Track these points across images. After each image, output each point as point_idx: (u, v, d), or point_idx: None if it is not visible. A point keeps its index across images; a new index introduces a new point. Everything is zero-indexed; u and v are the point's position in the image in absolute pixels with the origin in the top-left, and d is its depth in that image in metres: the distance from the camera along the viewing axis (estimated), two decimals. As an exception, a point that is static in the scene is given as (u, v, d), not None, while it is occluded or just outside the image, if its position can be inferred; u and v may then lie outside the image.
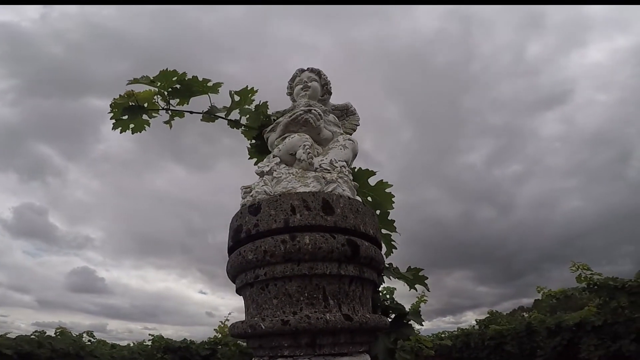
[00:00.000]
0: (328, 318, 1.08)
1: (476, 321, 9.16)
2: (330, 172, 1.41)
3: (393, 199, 1.74)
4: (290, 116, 1.57)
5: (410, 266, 1.85)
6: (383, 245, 1.86)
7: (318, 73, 1.80)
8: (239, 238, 1.27)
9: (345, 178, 1.42)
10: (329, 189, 1.34)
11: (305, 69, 1.81)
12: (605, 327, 5.10)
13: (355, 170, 1.74)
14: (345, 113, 1.95)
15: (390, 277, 1.73)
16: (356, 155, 1.61)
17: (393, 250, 1.88)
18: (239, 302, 1.46)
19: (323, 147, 1.61)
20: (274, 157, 1.48)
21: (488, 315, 9.26)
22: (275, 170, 1.42)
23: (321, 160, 1.46)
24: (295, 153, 1.45)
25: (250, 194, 1.38)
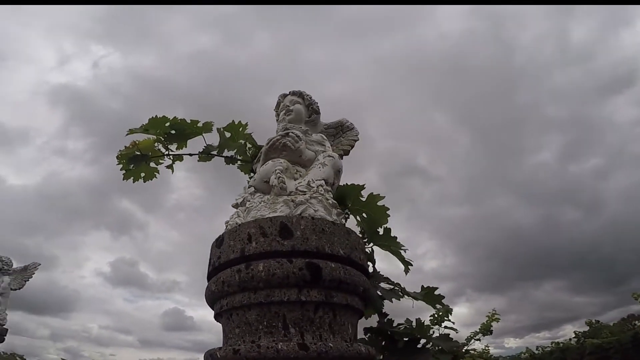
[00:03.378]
0: (279, 347, 1.02)
1: (575, 333, 7.78)
2: (304, 194, 1.37)
3: (388, 212, 1.61)
4: (268, 143, 1.58)
5: (423, 285, 1.67)
6: (400, 263, 1.73)
7: (300, 95, 1.79)
8: (209, 271, 1.29)
9: (320, 197, 1.37)
10: (298, 212, 1.30)
11: (288, 93, 1.82)
12: None
13: (345, 186, 1.67)
14: (341, 129, 1.91)
15: (394, 299, 1.58)
16: (339, 170, 1.54)
17: (409, 267, 1.72)
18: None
19: (307, 169, 1.58)
20: (249, 187, 1.49)
21: (588, 328, 7.82)
22: (249, 201, 1.43)
23: (299, 183, 1.44)
24: (269, 180, 1.44)
25: (226, 228, 1.40)
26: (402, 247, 1.66)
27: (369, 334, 1.59)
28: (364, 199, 1.63)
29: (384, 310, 1.65)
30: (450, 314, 2.88)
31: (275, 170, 1.44)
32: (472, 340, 3.65)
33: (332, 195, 1.44)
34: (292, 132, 1.58)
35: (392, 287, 1.60)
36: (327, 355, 1.04)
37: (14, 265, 5.22)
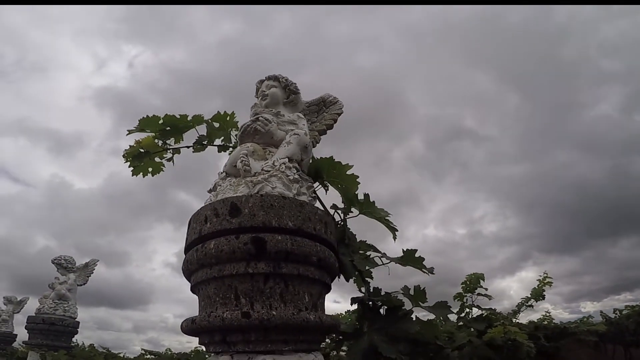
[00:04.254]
0: (225, 316, 1.12)
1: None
2: (267, 173, 1.44)
3: (358, 180, 1.61)
4: (240, 129, 1.66)
5: (404, 249, 1.64)
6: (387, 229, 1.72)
7: (276, 78, 1.83)
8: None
9: (280, 175, 1.42)
10: (255, 190, 1.37)
11: (264, 78, 1.86)
12: None
13: (319, 159, 1.68)
14: (324, 105, 1.91)
15: (369, 267, 1.57)
16: (306, 146, 1.56)
17: (396, 232, 1.70)
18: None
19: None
20: (221, 173, 1.59)
21: None
22: (220, 185, 1.52)
23: (265, 163, 1.50)
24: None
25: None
26: (384, 213, 1.64)
27: (356, 304, 1.62)
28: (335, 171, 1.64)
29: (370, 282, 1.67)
30: (483, 280, 2.76)
31: (240, 154, 1.52)
32: (524, 307, 3.42)
33: (296, 172, 1.47)
34: (261, 117, 1.64)
35: (369, 255, 1.61)
36: (270, 322, 1.11)
37: (77, 263, 5.96)
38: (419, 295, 1.69)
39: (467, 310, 2.49)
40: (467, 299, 2.71)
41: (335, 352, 2.09)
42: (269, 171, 1.44)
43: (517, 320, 3.11)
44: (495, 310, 2.75)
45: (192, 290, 1.37)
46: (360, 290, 1.63)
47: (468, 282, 2.72)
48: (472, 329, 2.27)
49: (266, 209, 1.25)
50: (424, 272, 1.65)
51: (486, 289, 2.49)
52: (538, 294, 3.26)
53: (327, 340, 1.85)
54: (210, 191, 1.56)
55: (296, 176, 1.46)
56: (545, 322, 3.57)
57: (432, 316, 1.77)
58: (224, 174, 1.58)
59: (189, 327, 1.21)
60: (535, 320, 3.77)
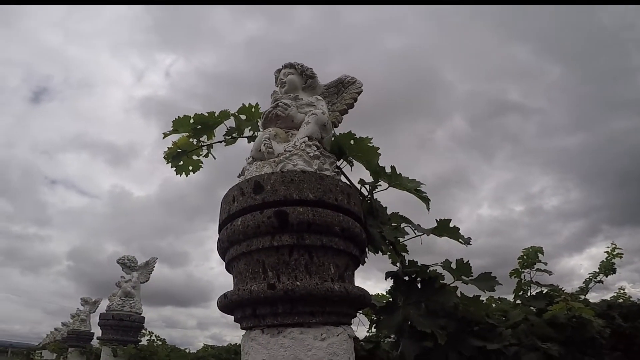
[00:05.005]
0: (252, 288, 1.16)
1: None
2: (289, 152, 1.48)
3: (379, 151, 1.58)
4: (262, 116, 1.72)
5: (437, 219, 1.58)
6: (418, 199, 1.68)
7: (292, 66, 1.87)
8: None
9: (300, 153, 1.45)
10: (278, 169, 1.41)
11: (281, 67, 1.91)
12: None
13: (339, 135, 1.69)
14: (342, 85, 1.92)
15: (399, 237, 1.54)
16: (325, 124, 1.58)
17: (427, 200, 1.64)
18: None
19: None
20: (248, 158, 1.65)
21: None
22: (247, 170, 1.59)
23: (287, 145, 1.54)
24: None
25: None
26: (414, 184, 1.61)
27: (390, 277, 1.60)
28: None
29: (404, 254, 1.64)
30: (542, 254, 2.59)
31: (263, 138, 1.57)
32: (592, 283, 3.13)
33: (316, 149, 1.49)
34: (280, 102, 1.69)
35: (398, 225, 1.57)
36: (294, 292, 1.13)
37: (138, 262, 6.43)
38: (462, 268, 1.60)
39: (525, 287, 2.33)
40: (524, 276, 2.55)
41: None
42: (290, 151, 1.48)
43: (585, 298, 2.86)
44: (557, 286, 2.55)
45: (227, 268, 1.44)
46: (394, 265, 1.60)
47: (525, 257, 2.55)
48: (531, 307, 2.12)
49: (287, 183, 1.28)
50: (461, 242, 1.58)
51: (545, 264, 2.32)
52: (607, 268, 2.96)
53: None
54: (239, 176, 1.63)
55: (317, 153, 1.48)
56: (621, 300, 3.25)
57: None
58: (251, 158, 1.64)
59: (222, 303, 1.27)
60: (609, 299, 3.44)
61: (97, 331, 6.10)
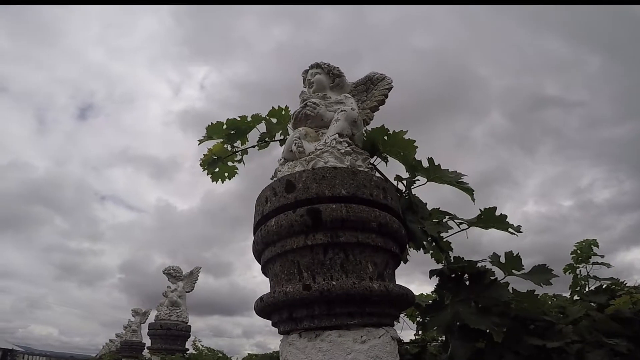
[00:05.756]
0: (287, 290, 1.12)
1: None
2: (320, 150, 1.44)
3: (415, 144, 1.50)
4: (292, 117, 1.70)
5: (481, 209, 1.47)
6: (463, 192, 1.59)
7: (318, 66, 1.85)
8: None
9: (331, 150, 1.41)
10: (309, 167, 1.38)
11: (308, 67, 1.90)
12: None
13: (372, 130, 1.63)
14: (371, 83, 1.86)
15: (441, 232, 1.44)
16: (355, 121, 1.53)
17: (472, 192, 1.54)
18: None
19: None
20: (280, 160, 1.63)
21: None
22: (280, 171, 1.57)
23: (317, 143, 1.51)
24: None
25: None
26: (455, 176, 1.51)
27: (435, 276, 1.50)
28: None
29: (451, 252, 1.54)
30: (597, 246, 2.37)
31: (293, 138, 1.55)
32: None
33: (347, 145, 1.45)
34: (309, 102, 1.67)
35: (440, 220, 1.47)
36: (330, 293, 1.07)
37: (183, 272, 6.60)
38: (512, 262, 1.48)
39: (583, 282, 2.13)
40: (580, 271, 2.34)
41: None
42: (321, 149, 1.44)
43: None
44: (618, 280, 2.31)
45: (263, 271, 1.41)
46: (438, 263, 1.51)
47: (579, 251, 2.34)
48: (591, 303, 1.94)
49: (318, 180, 1.24)
50: (511, 232, 1.46)
51: (602, 257, 2.11)
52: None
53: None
54: (272, 178, 1.61)
55: (348, 149, 1.43)
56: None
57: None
58: (282, 159, 1.62)
59: (259, 306, 1.24)
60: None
61: (148, 341, 6.34)
